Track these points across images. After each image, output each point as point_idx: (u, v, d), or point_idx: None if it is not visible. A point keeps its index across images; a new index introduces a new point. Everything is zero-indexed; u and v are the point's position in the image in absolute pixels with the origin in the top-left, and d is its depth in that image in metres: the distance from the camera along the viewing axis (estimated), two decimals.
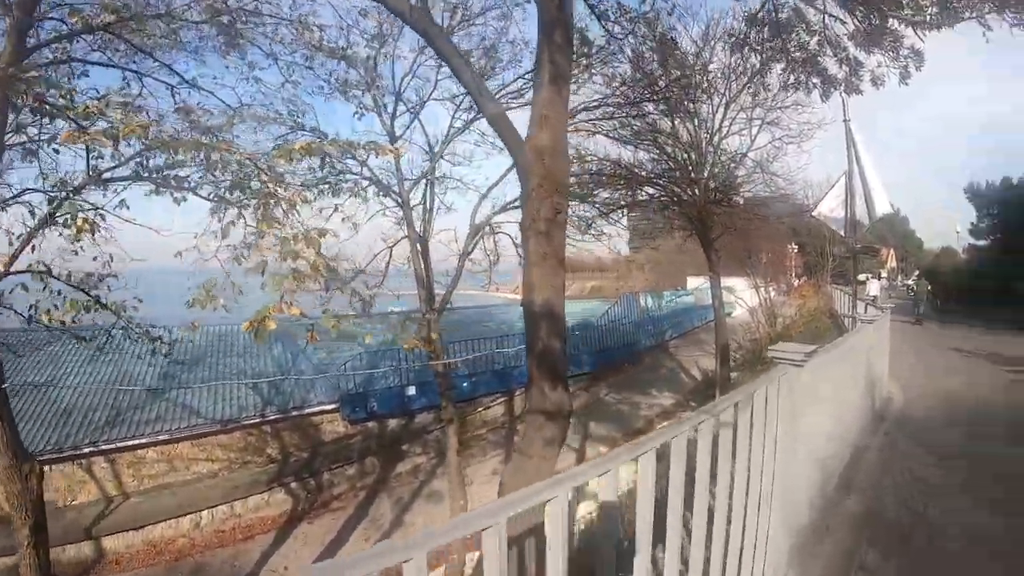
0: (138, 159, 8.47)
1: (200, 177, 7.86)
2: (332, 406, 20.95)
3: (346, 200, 13.77)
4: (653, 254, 53.44)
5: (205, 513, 17.44)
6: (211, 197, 7.60)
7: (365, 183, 15.11)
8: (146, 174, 8.41)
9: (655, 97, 17.02)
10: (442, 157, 16.92)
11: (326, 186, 11.63)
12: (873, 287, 36.87)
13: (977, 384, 14.12)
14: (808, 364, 4.74)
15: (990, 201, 35.77)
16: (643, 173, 20.22)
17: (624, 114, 17.70)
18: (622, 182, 19.94)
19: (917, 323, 28.90)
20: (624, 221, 26.49)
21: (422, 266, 16.13)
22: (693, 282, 46.80)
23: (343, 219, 13.26)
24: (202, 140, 7.10)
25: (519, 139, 7.55)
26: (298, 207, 6.16)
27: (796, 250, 48.92)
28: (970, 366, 16.95)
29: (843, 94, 12.27)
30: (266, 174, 6.24)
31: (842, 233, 14.04)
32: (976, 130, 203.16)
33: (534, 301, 7.25)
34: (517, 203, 15.14)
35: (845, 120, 13.39)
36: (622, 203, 20.89)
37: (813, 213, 14.90)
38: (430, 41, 8.13)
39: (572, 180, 17.53)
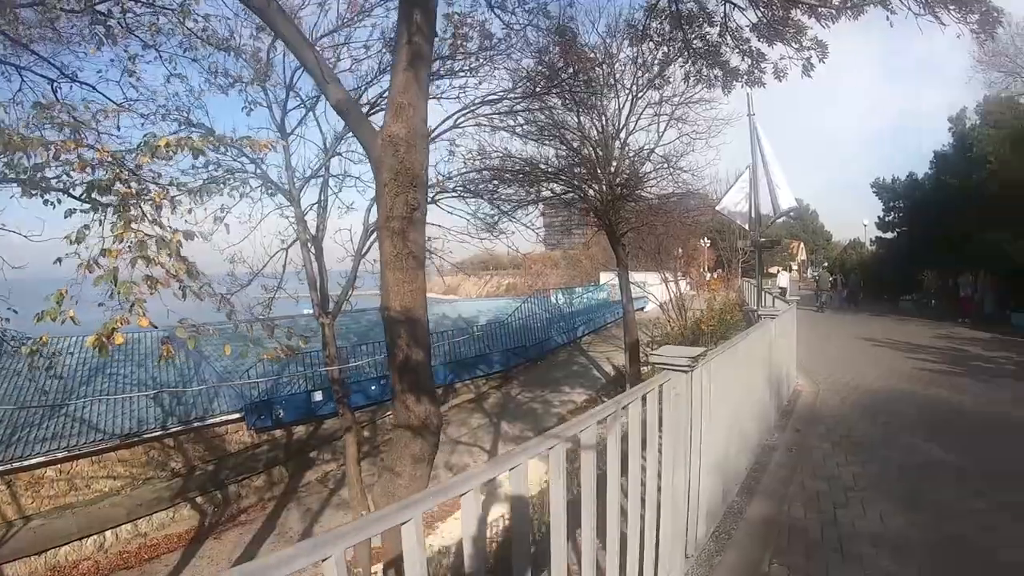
0: (4, 159, 7.85)
1: (71, 178, 7.28)
2: (237, 415, 20.20)
3: (238, 200, 13.18)
4: (569, 250, 53.63)
5: (109, 533, 16.73)
6: (82, 197, 7.04)
7: (256, 182, 14.45)
8: (12, 175, 7.80)
9: (557, 90, 16.61)
10: (338, 153, 16.07)
11: (212, 185, 10.95)
12: (783, 279, 37.90)
13: (884, 373, 14.34)
14: (700, 367, 4.47)
15: (896, 195, 36.82)
16: (548, 169, 19.81)
17: (525, 108, 17.21)
18: (527, 178, 19.44)
19: (819, 311, 31.97)
20: (539, 218, 26.01)
21: (315, 267, 15.32)
22: (606, 277, 46.66)
23: (215, 219, 12.57)
24: (48, 138, 6.50)
25: (371, 129, 7.11)
26: (165, 208, 5.70)
27: (708, 244, 49.51)
28: (877, 355, 17.33)
29: (746, 87, 12.22)
30: (130, 172, 5.76)
31: (746, 227, 13.95)
32: (887, 125, 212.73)
33: (391, 307, 6.85)
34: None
35: (749, 115, 13.35)
36: (527, 200, 20.29)
37: (717, 207, 14.80)
38: (267, 20, 7.55)
39: (473, 176, 17.06)
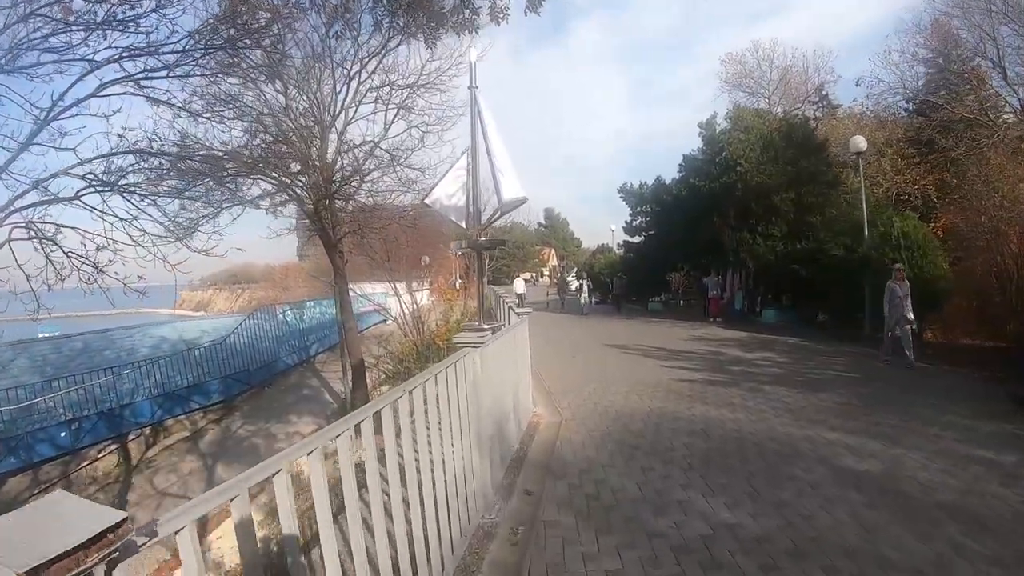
0: None
1: None
2: None
3: None
4: (322, 260, 50.90)
5: None
6: None
7: None
8: None
9: (236, 49, 12.61)
10: None
11: None
12: (519, 286, 37.84)
13: (641, 389, 12.26)
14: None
15: (643, 200, 38.11)
16: (249, 161, 15.67)
17: (206, 73, 13.04)
18: (220, 172, 15.17)
19: (559, 312, 34.90)
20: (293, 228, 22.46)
21: None
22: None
23: None
24: None
25: None
26: None
27: (460, 252, 48.08)
28: (632, 366, 15.61)
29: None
30: None
31: (462, 224, 11.08)
32: (639, 140, 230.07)
33: None
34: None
35: (471, 87, 10.74)
36: (219, 203, 15.65)
37: (427, 200, 11.77)
38: None
39: (141, 166, 12.66)
